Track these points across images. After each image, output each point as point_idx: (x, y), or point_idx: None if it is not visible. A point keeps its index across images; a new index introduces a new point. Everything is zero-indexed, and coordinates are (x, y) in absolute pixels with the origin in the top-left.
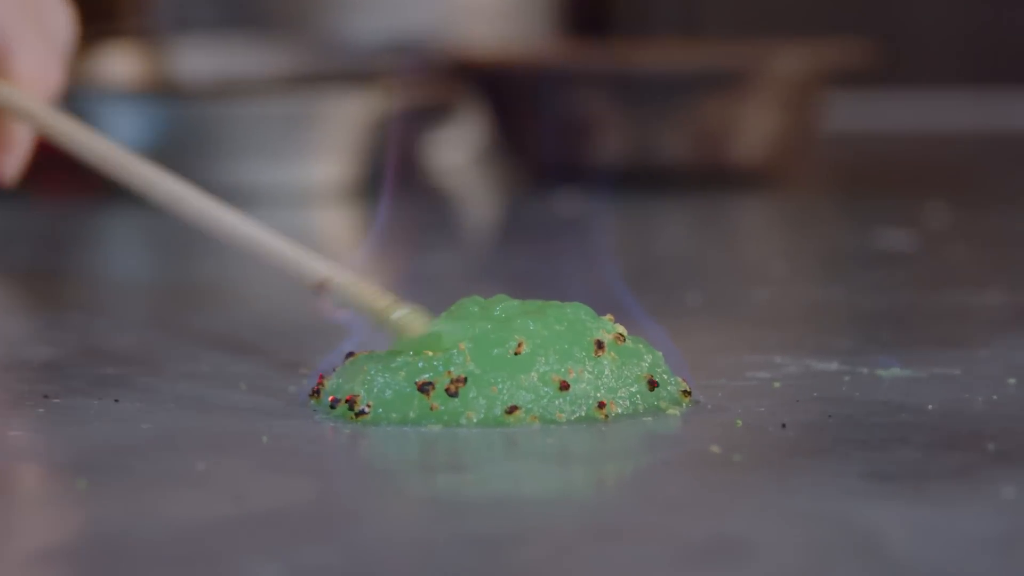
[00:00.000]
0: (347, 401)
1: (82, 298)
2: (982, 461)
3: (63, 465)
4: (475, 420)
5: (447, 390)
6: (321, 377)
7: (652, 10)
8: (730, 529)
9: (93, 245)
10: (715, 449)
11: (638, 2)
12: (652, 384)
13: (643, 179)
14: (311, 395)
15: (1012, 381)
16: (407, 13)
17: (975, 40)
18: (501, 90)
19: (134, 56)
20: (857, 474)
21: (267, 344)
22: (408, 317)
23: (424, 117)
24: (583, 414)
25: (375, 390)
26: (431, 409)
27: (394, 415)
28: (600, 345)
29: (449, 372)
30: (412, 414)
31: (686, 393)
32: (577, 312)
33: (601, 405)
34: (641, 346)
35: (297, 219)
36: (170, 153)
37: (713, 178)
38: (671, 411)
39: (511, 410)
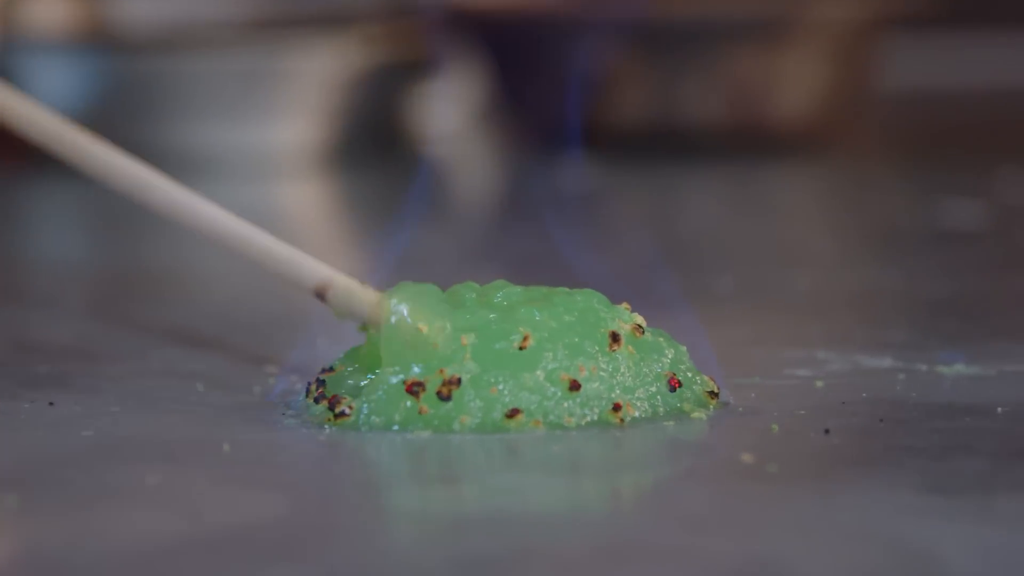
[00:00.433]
0: (329, 401)
1: (9, 284)
2: None
3: None
4: (471, 425)
5: (439, 393)
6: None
7: None
8: (764, 551)
9: (21, 223)
10: (747, 458)
11: None
12: (675, 383)
13: (667, 144)
14: (307, 396)
15: None
16: None
17: None
18: (501, 42)
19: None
20: (913, 488)
21: (228, 337)
22: (406, 326)
23: (410, 74)
24: (595, 418)
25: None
26: (420, 412)
27: (376, 419)
28: (615, 338)
29: (442, 371)
30: (398, 417)
31: (713, 394)
32: (589, 300)
33: (616, 408)
34: (662, 339)
35: (257, 192)
36: (109, 115)
37: (749, 143)
38: (696, 414)
39: (512, 414)
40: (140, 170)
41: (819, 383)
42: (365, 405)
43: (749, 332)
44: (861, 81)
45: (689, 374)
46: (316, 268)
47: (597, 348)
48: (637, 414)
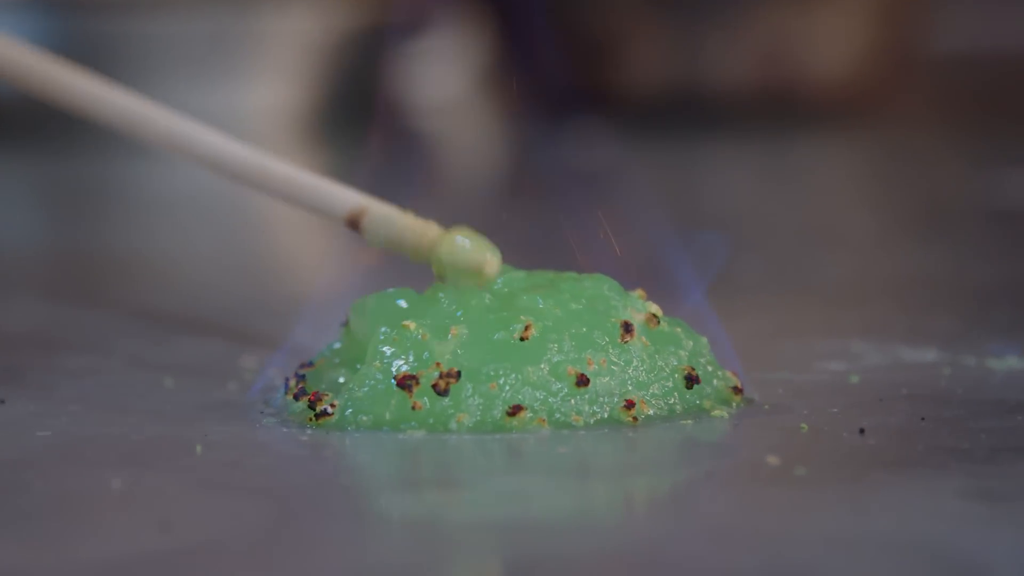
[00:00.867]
0: (309, 399)
1: None
2: None
3: None
4: (468, 424)
5: (435, 386)
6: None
7: None
8: (790, 563)
9: None
10: (773, 460)
11: None
12: (693, 378)
13: (688, 110)
14: (288, 393)
15: None
16: None
17: None
18: None
19: None
20: (957, 493)
21: (200, 326)
22: (460, 247)
23: (401, 34)
24: (605, 416)
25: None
26: (413, 409)
27: (365, 417)
28: (628, 328)
29: (437, 363)
30: (388, 416)
31: (736, 390)
32: (599, 287)
33: (629, 405)
34: (680, 330)
35: None
36: None
37: (780, 108)
38: (717, 412)
39: (514, 411)
40: (141, 103)
41: (854, 378)
42: (350, 403)
43: (777, 322)
44: (907, 39)
45: (709, 368)
46: (347, 194)
47: (608, 339)
48: (651, 412)
